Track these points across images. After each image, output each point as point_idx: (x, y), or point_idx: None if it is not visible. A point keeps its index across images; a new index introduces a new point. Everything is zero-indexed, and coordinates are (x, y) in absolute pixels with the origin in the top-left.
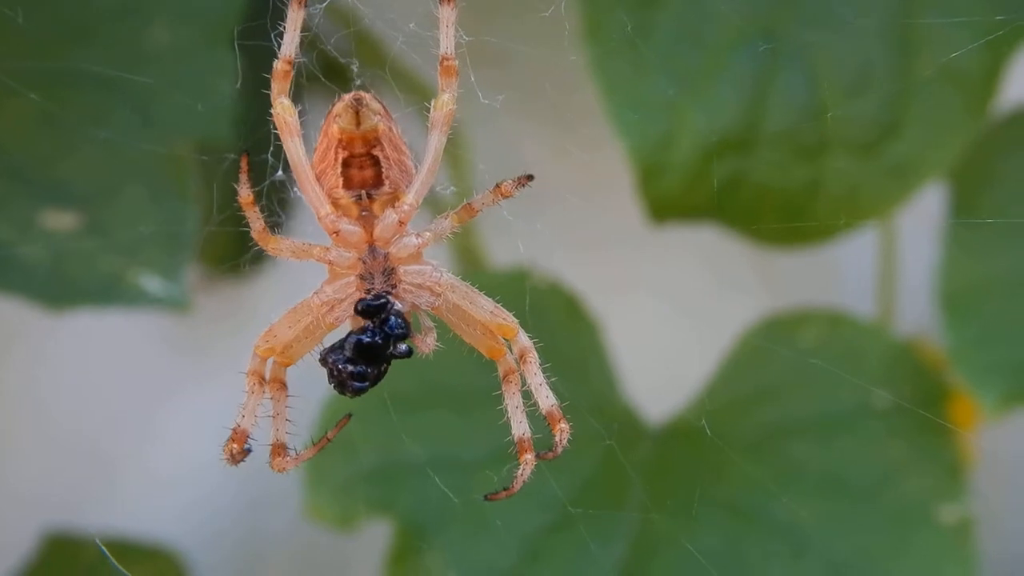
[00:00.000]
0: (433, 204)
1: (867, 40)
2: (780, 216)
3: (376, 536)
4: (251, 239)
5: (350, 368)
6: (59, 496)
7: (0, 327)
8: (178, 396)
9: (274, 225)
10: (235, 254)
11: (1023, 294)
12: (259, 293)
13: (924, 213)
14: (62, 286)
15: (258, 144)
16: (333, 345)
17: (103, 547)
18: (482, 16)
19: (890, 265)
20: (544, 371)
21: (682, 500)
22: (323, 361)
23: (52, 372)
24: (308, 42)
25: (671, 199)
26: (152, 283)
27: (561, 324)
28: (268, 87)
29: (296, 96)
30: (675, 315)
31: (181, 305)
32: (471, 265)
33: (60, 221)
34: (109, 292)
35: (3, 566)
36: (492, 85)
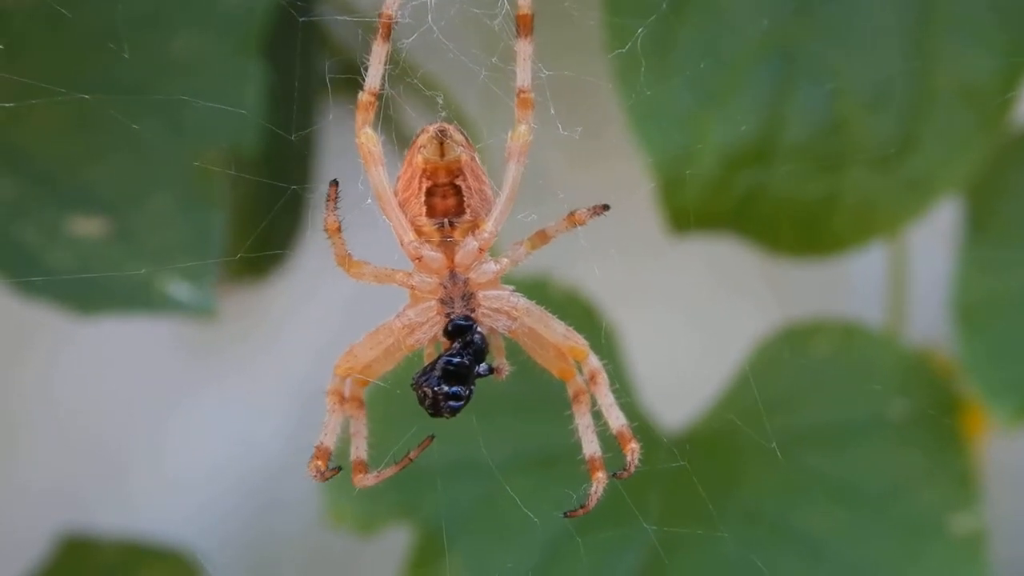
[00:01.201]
0: None
1: (885, 56)
2: (797, 228)
3: (390, 539)
4: (270, 243)
5: (446, 389)
6: (73, 497)
7: (16, 328)
8: (192, 397)
9: None
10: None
11: None
12: (272, 297)
13: (933, 223)
14: (89, 292)
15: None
16: (423, 370)
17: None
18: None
19: (900, 275)
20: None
21: (699, 508)
22: (417, 386)
23: (67, 373)
24: (396, 75)
25: (690, 210)
26: (179, 290)
27: (579, 332)
28: (295, 95)
29: (383, 125)
30: (688, 323)
31: (208, 312)
32: None
33: (87, 227)
34: (136, 298)
35: (18, 567)
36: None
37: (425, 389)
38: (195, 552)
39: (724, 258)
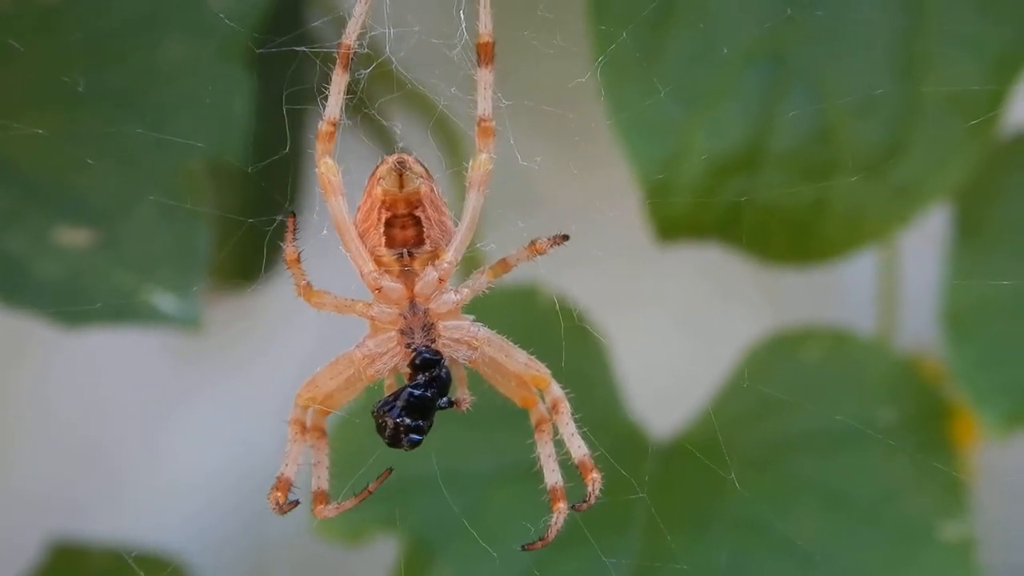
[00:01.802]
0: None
1: (874, 62)
2: (786, 236)
3: (382, 547)
4: (261, 253)
5: (407, 421)
6: (65, 503)
7: (10, 335)
8: (184, 404)
9: None
10: (242, 266)
11: None
12: (264, 303)
13: (923, 230)
14: (75, 303)
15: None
16: (385, 399)
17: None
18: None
19: (891, 282)
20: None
21: (687, 516)
22: (378, 415)
23: (60, 380)
24: (353, 105)
25: (678, 219)
26: (164, 301)
27: (567, 340)
28: (282, 106)
29: (340, 155)
30: (679, 329)
31: (193, 323)
32: None
33: (74, 237)
34: (122, 310)
35: (10, 573)
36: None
37: (386, 419)
38: (188, 558)
39: (715, 264)
